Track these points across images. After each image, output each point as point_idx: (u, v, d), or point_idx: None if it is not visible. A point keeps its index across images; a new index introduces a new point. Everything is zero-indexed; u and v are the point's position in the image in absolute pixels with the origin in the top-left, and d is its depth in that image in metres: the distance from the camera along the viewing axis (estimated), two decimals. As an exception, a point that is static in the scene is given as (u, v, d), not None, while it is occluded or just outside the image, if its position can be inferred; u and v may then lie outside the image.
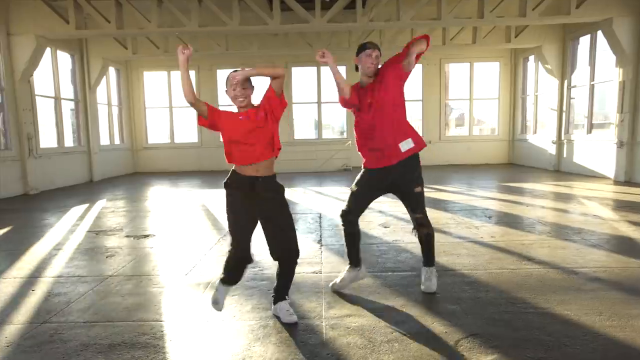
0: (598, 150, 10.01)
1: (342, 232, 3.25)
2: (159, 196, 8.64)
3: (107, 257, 4.28)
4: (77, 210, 7.10)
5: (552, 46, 11.35)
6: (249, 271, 3.73)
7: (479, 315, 2.79)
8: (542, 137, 12.34)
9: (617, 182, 8.96)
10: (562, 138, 11.46)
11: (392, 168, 3.10)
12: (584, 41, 10.74)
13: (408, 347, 2.40)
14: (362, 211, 3.24)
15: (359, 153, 3.26)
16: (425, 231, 3.21)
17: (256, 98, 2.81)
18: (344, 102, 3.16)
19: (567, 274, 3.53)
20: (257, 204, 2.70)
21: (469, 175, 10.95)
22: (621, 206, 6.44)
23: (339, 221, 3.24)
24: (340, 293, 3.22)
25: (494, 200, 7.25)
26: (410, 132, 3.15)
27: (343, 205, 3.23)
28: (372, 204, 3.32)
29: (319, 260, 4.08)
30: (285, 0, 8.74)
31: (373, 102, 3.06)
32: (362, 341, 2.48)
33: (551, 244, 4.41)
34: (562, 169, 11.44)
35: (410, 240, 4.62)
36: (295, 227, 2.81)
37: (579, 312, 2.79)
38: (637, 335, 2.48)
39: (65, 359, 2.34)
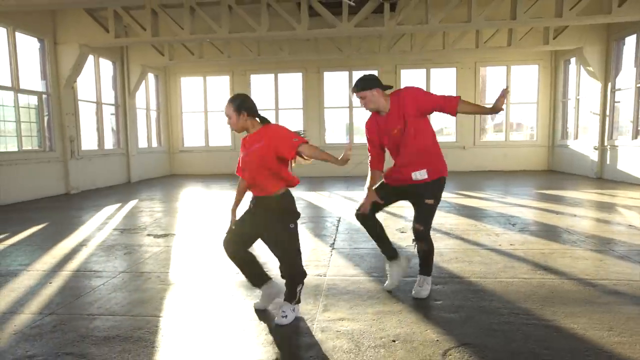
0: (644, 157, 9.40)
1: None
2: (190, 197, 8.91)
3: (124, 254, 4.46)
4: (109, 209, 7.44)
5: (594, 47, 10.79)
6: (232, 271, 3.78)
7: (476, 325, 2.68)
8: (583, 143, 11.73)
9: (663, 191, 8.38)
10: (605, 144, 10.84)
11: (406, 186, 3.16)
12: (630, 41, 10.15)
13: (394, 354, 2.34)
14: (377, 210, 3.25)
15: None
16: (421, 246, 3.17)
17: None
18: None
19: (583, 285, 3.33)
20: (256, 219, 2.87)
21: (504, 182, 10.57)
22: (662, 216, 6.02)
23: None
24: (338, 297, 3.20)
25: (525, 208, 6.96)
26: (429, 162, 3.09)
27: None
28: (394, 209, 3.30)
29: (327, 263, 4.06)
30: (313, 5, 8.82)
31: (402, 127, 3.07)
32: (348, 345, 2.45)
33: (573, 254, 4.18)
34: (604, 177, 10.82)
35: (448, 248, 4.52)
36: (295, 247, 2.84)
37: (586, 326, 2.63)
38: (646, 354, 2.31)
39: (60, 349, 2.45)
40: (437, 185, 3.13)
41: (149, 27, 9.38)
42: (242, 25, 9.73)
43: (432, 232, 4.77)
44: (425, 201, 3.09)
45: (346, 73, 14.04)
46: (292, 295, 2.83)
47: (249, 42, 11.83)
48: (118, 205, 7.91)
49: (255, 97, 16.02)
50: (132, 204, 8.05)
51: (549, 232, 5.16)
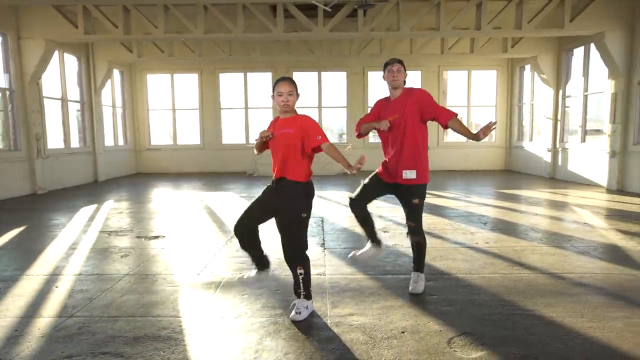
0: (591, 159, 10.30)
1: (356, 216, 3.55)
2: (163, 198, 8.87)
3: (121, 257, 4.52)
4: (86, 210, 7.33)
5: (547, 56, 11.64)
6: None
7: (471, 316, 3.04)
8: (538, 145, 12.64)
9: (609, 191, 9.24)
10: (557, 146, 11.75)
11: (396, 184, 3.47)
12: (578, 53, 11.04)
13: (406, 343, 2.65)
14: (368, 200, 3.54)
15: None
16: (415, 239, 3.51)
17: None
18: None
19: (554, 279, 3.79)
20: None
21: (466, 182, 11.22)
22: (611, 215, 6.71)
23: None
24: (342, 294, 3.47)
25: (490, 207, 7.52)
26: (419, 163, 3.43)
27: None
28: (371, 210, 3.57)
29: (323, 262, 4.33)
30: (289, 8, 9.01)
31: (402, 117, 3.37)
32: (364, 337, 2.73)
33: (542, 251, 4.67)
34: (557, 177, 11.73)
35: (409, 245, 4.85)
36: (303, 235, 3.03)
37: (562, 314, 3.04)
38: (614, 336, 2.74)
39: (95, 348, 2.58)
40: (423, 188, 3.50)
41: (121, 25, 9.23)
42: (217, 26, 9.76)
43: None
44: (412, 201, 3.45)
45: (315, 74, 14.31)
46: (299, 287, 3.01)
47: (221, 42, 11.83)
48: (94, 206, 7.79)
49: (223, 95, 16.00)
50: (108, 205, 7.95)
51: (517, 231, 5.67)
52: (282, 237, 3.03)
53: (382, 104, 3.55)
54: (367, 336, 2.75)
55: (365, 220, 3.55)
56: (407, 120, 3.37)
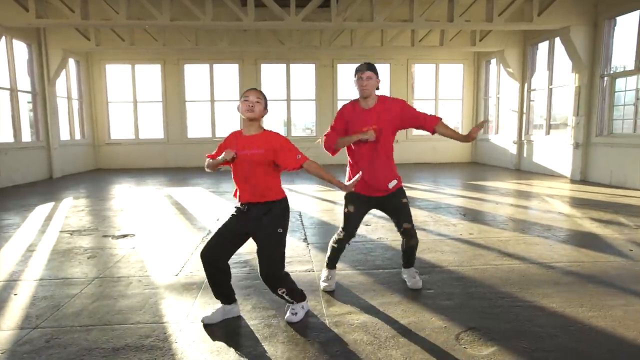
0: (556, 151, 10.61)
1: (333, 244, 3.30)
2: (127, 194, 8.37)
3: (88, 258, 4.13)
4: (42, 209, 6.77)
5: (513, 50, 11.89)
6: (241, 270, 3.73)
7: (472, 310, 2.93)
8: (503, 137, 12.92)
9: (573, 181, 9.54)
10: (523, 138, 12.05)
11: (382, 197, 3.23)
12: (543, 47, 11.33)
13: (413, 342, 2.50)
14: (357, 228, 3.30)
15: (347, 169, 3.27)
16: (414, 242, 3.30)
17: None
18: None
19: (545, 268, 3.76)
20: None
21: (435, 174, 11.30)
22: (581, 204, 6.88)
23: (337, 237, 3.28)
24: (336, 291, 3.28)
25: (464, 199, 7.55)
26: (395, 170, 3.27)
27: (340, 229, 3.26)
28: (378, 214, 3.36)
29: (309, 258, 4.12)
30: (260, -4, 8.67)
31: (378, 127, 3.10)
32: (368, 337, 2.55)
33: (526, 240, 4.66)
34: (522, 168, 12.03)
35: (394, 238, 4.75)
36: (280, 251, 2.72)
37: (562, 305, 2.99)
38: (617, 325, 2.69)
39: (69, 364, 2.27)
40: (403, 189, 3.32)
41: (78, 9, 8.59)
42: (183, 13, 9.29)
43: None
44: (402, 200, 3.25)
45: (284, 66, 14.00)
46: (288, 301, 2.77)
47: (187, 30, 11.32)
48: (51, 204, 7.21)
49: (188, 88, 15.42)
50: (67, 202, 7.39)
51: (497, 221, 5.68)
52: (260, 260, 2.69)
53: (349, 111, 3.17)
54: (371, 336, 2.57)
55: (343, 250, 3.36)
56: (382, 132, 3.12)
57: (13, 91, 10.01)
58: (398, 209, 3.24)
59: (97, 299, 3.13)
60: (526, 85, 11.90)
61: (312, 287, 3.36)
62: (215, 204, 7.12)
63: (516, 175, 10.92)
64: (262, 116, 2.70)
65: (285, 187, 2.90)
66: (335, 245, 3.32)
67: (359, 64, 3.13)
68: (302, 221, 5.74)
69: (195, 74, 14.08)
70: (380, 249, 4.39)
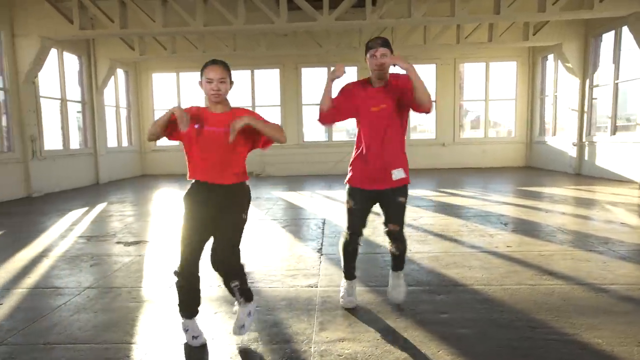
0: (623, 153, 9.44)
1: (342, 249, 2.96)
2: (164, 199, 8.40)
3: (90, 266, 4.00)
4: (74, 213, 6.89)
5: (573, 44, 10.81)
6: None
7: (493, 342, 2.41)
8: (561, 139, 11.78)
9: (644, 187, 8.41)
10: (584, 140, 10.90)
11: (382, 190, 2.83)
12: (608, 38, 10.19)
13: (407, 383, 2.04)
14: (365, 226, 2.94)
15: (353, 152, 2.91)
16: (399, 246, 2.88)
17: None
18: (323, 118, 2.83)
19: (594, 291, 3.11)
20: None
21: (484, 179, 10.47)
22: (651, 213, 5.94)
23: (343, 238, 2.91)
24: (334, 312, 2.87)
25: (511, 206, 6.81)
26: (405, 161, 2.86)
27: (345, 226, 2.92)
28: (380, 210, 2.94)
29: (317, 271, 3.73)
30: (292, -3, 8.46)
31: (388, 107, 2.74)
32: (354, 374, 2.13)
33: (574, 256, 3.98)
34: (583, 173, 10.87)
35: (417, 251, 4.25)
36: (239, 238, 2.47)
37: (612, 341, 2.39)
38: (684, 372, 2.07)
39: (9, 390, 2.04)
40: (406, 188, 2.89)
41: (117, 19, 8.81)
42: (217, 18, 9.26)
43: (424, 234, 4.53)
44: (397, 199, 2.83)
45: (324, 69, 13.72)
46: (237, 297, 2.46)
47: (225, 36, 11.36)
48: (85, 209, 7.35)
49: (231, 93, 15.77)
50: (100, 207, 7.51)
51: (543, 232, 4.97)
52: (217, 247, 2.40)
53: (358, 90, 2.80)
54: (358, 372, 2.14)
55: (355, 254, 2.97)
56: (393, 112, 2.74)
57: (63, 101, 10.49)
58: (391, 205, 2.84)
59: (76, 312, 2.93)
60: (588, 81, 10.76)
61: (309, 306, 2.97)
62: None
63: (575, 180, 9.84)
64: (228, 93, 2.43)
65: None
66: (345, 250, 2.95)
67: (370, 40, 2.75)
68: (323, 229, 5.35)
69: (237, 79, 14.12)
70: (415, 264, 3.90)
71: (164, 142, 14.39)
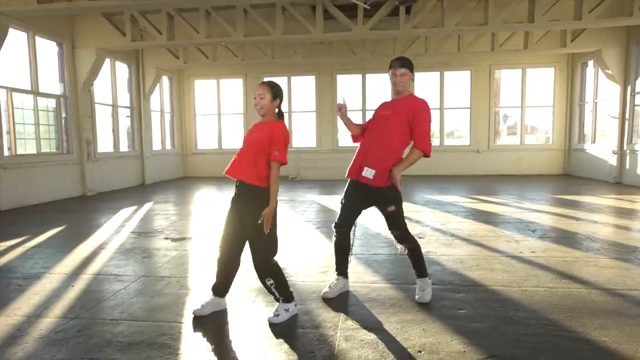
0: (664, 162, 9.21)
1: (334, 246, 3.34)
2: (204, 200, 8.94)
3: (143, 258, 4.47)
4: (125, 211, 7.49)
5: (613, 50, 10.62)
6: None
7: (503, 336, 2.63)
8: (601, 147, 11.54)
9: (686, 197, 8.19)
10: (625, 148, 10.66)
11: (356, 183, 3.16)
12: (650, 44, 9.97)
13: (421, 365, 2.31)
14: (353, 222, 3.30)
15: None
16: (405, 245, 3.18)
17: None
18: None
19: (611, 296, 3.25)
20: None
21: (519, 186, 10.43)
22: (687, 224, 5.87)
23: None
24: (359, 304, 3.16)
25: (543, 214, 6.85)
26: (385, 166, 3.07)
27: (336, 217, 3.30)
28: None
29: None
30: (329, 9, 8.82)
31: (389, 114, 3.16)
32: (373, 355, 2.41)
33: (598, 263, 4.09)
34: (624, 182, 10.62)
35: (442, 253, 4.48)
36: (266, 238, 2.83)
37: (619, 340, 2.56)
38: (683, 369, 2.24)
39: (87, 354, 2.46)
40: (391, 191, 3.09)
41: (165, 31, 9.46)
42: (257, 29, 9.75)
43: (451, 238, 4.74)
44: (386, 209, 3.12)
45: (359, 76, 14.02)
46: (274, 294, 2.87)
47: (263, 45, 11.87)
48: (134, 207, 7.97)
49: (268, 100, 16.04)
50: (147, 206, 8.11)
51: (570, 239, 5.06)
52: (256, 247, 2.84)
53: (383, 103, 3.31)
54: (378, 354, 2.43)
55: (345, 249, 3.34)
56: (393, 121, 3.10)
57: (114, 107, 11.31)
58: (384, 215, 3.19)
59: (135, 295, 3.37)
60: (629, 88, 10.54)
61: (338, 299, 3.27)
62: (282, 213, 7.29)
63: (615, 189, 9.66)
64: (272, 108, 2.88)
65: None
66: (335, 245, 3.32)
67: (393, 59, 3.18)
68: (354, 231, 5.62)
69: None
70: (439, 266, 4.14)
71: (203, 145, 15.14)
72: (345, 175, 3.24)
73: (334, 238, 3.32)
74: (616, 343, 2.52)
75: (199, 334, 2.71)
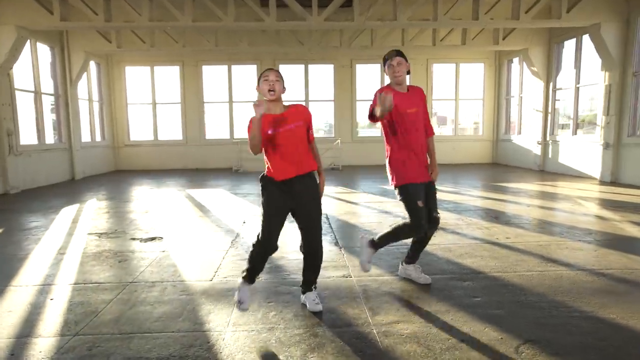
0: (583, 151, 10.31)
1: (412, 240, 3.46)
2: (149, 195, 8.34)
3: (119, 262, 4.06)
4: (67, 210, 6.76)
5: (538, 49, 11.61)
6: (277, 276, 3.63)
7: (526, 320, 2.77)
8: (526, 138, 12.63)
9: (603, 182, 9.25)
10: (547, 139, 11.76)
11: (423, 184, 3.25)
12: (569, 45, 11.04)
13: (470, 355, 2.35)
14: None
15: (390, 165, 3.25)
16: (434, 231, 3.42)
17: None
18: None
19: (595, 276, 3.57)
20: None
21: (455, 175, 11.06)
22: (617, 206, 6.62)
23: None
24: (377, 299, 3.15)
25: (491, 200, 7.34)
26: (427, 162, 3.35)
27: (409, 220, 3.20)
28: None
29: (344, 263, 4.00)
30: (282, -3, 8.60)
31: (417, 112, 3.20)
32: (421, 350, 2.42)
33: (568, 245, 4.47)
34: (547, 169, 11.74)
35: (429, 243, 4.59)
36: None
37: (624, 316, 2.81)
38: (688, 338, 2.52)
39: (114, 376, 2.18)
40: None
41: (102, 11, 8.61)
42: (205, 14, 9.25)
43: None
44: (435, 195, 3.35)
45: (302, 66, 13.92)
46: (317, 275, 3.02)
47: (207, 32, 11.29)
48: (76, 206, 7.21)
49: (207, 89, 15.46)
50: (91, 204, 7.39)
51: (532, 224, 5.48)
52: (311, 236, 2.86)
53: (393, 91, 3.05)
54: (425, 347, 2.44)
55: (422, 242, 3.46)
56: (420, 118, 3.23)
57: (37, 94, 10.10)
58: (434, 196, 3.35)
59: (133, 305, 3.04)
60: (551, 84, 11.61)
61: (353, 294, 3.24)
62: (238, 206, 7.04)
63: (541, 176, 10.64)
64: (281, 95, 2.78)
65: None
66: (415, 241, 3.45)
67: (386, 54, 3.20)
68: (329, 224, 5.62)
69: (213, 75, 14.07)
70: (432, 255, 4.24)
71: (136, 136, 14.14)
72: (409, 182, 3.13)
73: (411, 236, 3.36)
74: (624, 319, 2.77)
75: (232, 341, 2.52)
